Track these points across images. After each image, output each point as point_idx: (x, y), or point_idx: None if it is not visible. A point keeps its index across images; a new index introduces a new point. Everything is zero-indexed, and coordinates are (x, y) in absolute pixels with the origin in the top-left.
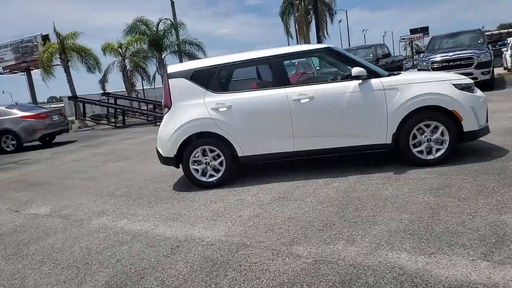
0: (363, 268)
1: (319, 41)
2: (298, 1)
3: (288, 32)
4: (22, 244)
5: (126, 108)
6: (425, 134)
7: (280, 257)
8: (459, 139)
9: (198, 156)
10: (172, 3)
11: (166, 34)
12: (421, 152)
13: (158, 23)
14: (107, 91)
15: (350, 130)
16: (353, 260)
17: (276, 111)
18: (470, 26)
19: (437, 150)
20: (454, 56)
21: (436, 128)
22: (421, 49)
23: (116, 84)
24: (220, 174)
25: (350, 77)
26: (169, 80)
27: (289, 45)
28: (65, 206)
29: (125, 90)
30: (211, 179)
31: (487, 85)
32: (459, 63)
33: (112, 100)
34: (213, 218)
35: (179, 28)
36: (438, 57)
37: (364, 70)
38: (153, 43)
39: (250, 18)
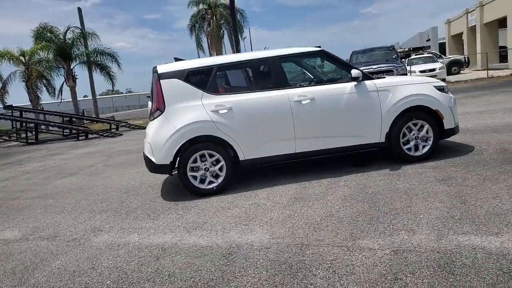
0: (447, 252)
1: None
2: (210, 16)
3: (199, 46)
4: (21, 272)
5: (42, 122)
6: (413, 132)
7: (354, 251)
8: (440, 136)
9: (196, 162)
10: (79, 11)
11: (75, 43)
12: (409, 149)
13: (66, 31)
14: (9, 104)
15: (349, 130)
16: (430, 246)
17: (278, 113)
18: (354, 46)
19: (423, 146)
20: (377, 69)
21: (422, 126)
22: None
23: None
24: (220, 180)
25: (345, 79)
26: (160, 80)
27: (199, 56)
28: (38, 228)
29: (30, 103)
30: (210, 186)
31: None
32: (382, 75)
33: (17, 113)
34: (242, 223)
35: (90, 38)
36: (363, 70)
37: (360, 72)
38: (61, 52)
39: (147, 32)
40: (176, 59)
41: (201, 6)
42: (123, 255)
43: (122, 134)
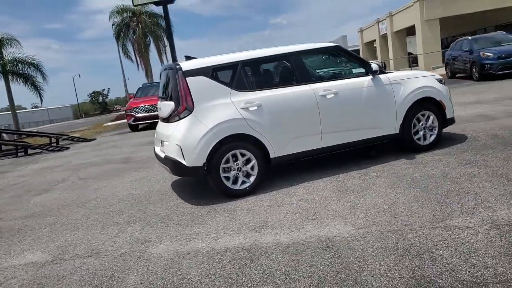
0: None
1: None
2: (135, 23)
3: (126, 55)
4: None
5: None
6: (422, 122)
7: (455, 231)
8: (443, 125)
9: (228, 162)
10: None
11: None
12: (419, 139)
13: None
14: None
15: (369, 123)
16: None
17: (305, 108)
18: None
19: (430, 136)
20: None
21: (428, 117)
22: None
23: None
24: (252, 180)
25: (361, 73)
26: (186, 78)
27: (122, 68)
28: (65, 246)
29: None
30: (243, 186)
31: None
32: None
33: None
34: (309, 218)
35: (10, 45)
36: None
37: (378, 66)
38: None
39: (50, 43)
40: (187, 58)
41: (125, 14)
42: (206, 261)
43: (69, 148)
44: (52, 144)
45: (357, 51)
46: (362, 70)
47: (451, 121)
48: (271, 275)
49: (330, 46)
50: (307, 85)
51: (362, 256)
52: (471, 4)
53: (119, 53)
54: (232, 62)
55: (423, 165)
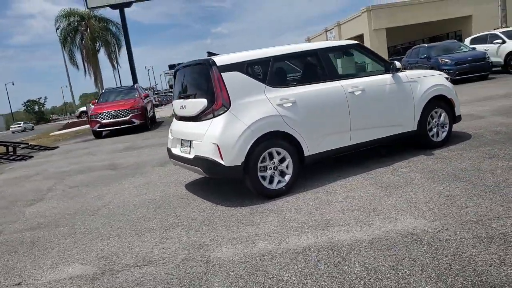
0: None
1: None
2: (83, 28)
3: (72, 61)
4: None
5: None
6: (435, 119)
7: None
8: (452, 122)
9: (265, 161)
10: None
11: None
12: (433, 135)
13: None
14: None
15: (391, 120)
16: None
17: (337, 104)
18: None
19: (442, 132)
20: None
21: (440, 114)
22: None
23: None
24: (287, 179)
25: (380, 71)
26: (221, 73)
27: (68, 75)
28: (106, 256)
29: None
30: (279, 186)
31: None
32: None
33: None
34: (371, 215)
35: None
36: None
37: (399, 63)
38: None
39: None
40: (210, 53)
41: (72, 18)
42: (290, 261)
43: (32, 156)
44: (9, 153)
45: None
46: (380, 67)
47: (459, 118)
48: (378, 271)
49: (352, 44)
50: (336, 81)
51: (462, 247)
52: (415, 15)
53: (64, 59)
54: (264, 58)
55: (448, 160)
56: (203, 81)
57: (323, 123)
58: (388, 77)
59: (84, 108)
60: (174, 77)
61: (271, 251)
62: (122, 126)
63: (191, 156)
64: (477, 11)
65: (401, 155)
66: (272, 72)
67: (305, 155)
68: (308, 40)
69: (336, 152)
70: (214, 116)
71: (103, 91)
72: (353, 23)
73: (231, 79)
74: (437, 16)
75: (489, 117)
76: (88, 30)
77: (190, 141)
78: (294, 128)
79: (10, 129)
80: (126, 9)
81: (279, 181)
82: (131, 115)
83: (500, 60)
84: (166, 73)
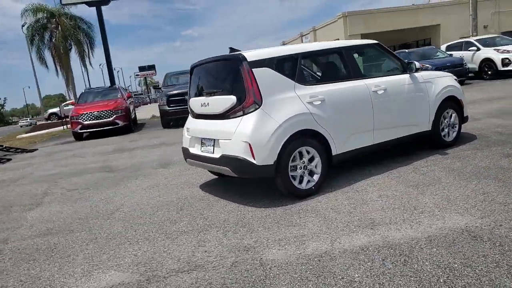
0: None
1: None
2: (54, 26)
3: (41, 60)
4: None
5: None
6: (446, 120)
7: None
8: (461, 122)
9: (295, 160)
10: None
11: None
12: (444, 135)
13: None
14: None
15: (409, 120)
16: None
17: (362, 103)
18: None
19: (452, 133)
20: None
21: (451, 115)
22: (158, 85)
23: None
24: (316, 179)
25: (397, 70)
26: (253, 70)
27: (35, 75)
28: (145, 263)
29: None
30: (309, 186)
31: None
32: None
33: None
34: (414, 212)
35: None
36: (174, 91)
37: (419, 64)
38: None
39: None
40: (232, 49)
41: (40, 14)
42: (355, 262)
43: (11, 159)
44: None
45: None
46: (397, 67)
47: (466, 119)
48: (452, 268)
49: (372, 43)
50: (361, 80)
51: None
52: (389, 22)
53: (31, 58)
54: (293, 54)
55: (466, 159)
56: (231, 77)
57: (350, 122)
58: (406, 77)
59: (54, 110)
60: (191, 74)
61: (327, 251)
62: (105, 128)
63: (216, 155)
64: (445, 20)
65: (416, 154)
66: (301, 69)
67: (333, 154)
68: (284, 44)
69: (361, 152)
70: (244, 114)
71: (83, 91)
72: (329, 28)
73: (262, 75)
74: (409, 24)
75: (485, 119)
76: (60, 28)
77: (214, 139)
78: (323, 126)
79: None
80: (87, 8)
81: (308, 181)
82: (115, 116)
83: (475, 66)
84: (136, 75)
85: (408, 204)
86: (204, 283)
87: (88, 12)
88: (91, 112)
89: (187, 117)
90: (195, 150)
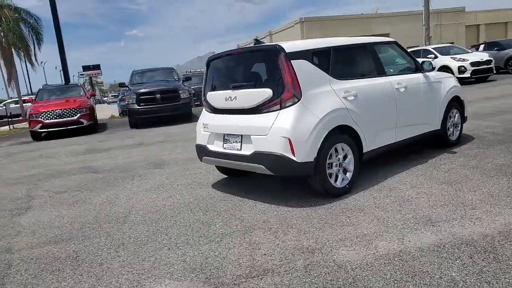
0: None
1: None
2: None
3: None
4: None
5: None
6: (452, 119)
7: None
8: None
9: (331, 157)
10: None
11: None
12: (450, 135)
13: None
14: None
15: (423, 118)
16: None
17: (388, 100)
18: (128, 66)
19: (456, 132)
20: (160, 88)
21: (455, 114)
22: (103, 83)
23: None
24: (350, 177)
25: (411, 69)
26: (292, 61)
27: None
28: (200, 268)
29: None
30: (343, 184)
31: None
32: (167, 95)
33: None
34: (465, 209)
35: None
36: (145, 89)
37: (434, 63)
38: None
39: None
40: (257, 41)
41: None
42: (441, 260)
43: None
44: None
45: None
46: (412, 66)
47: (466, 119)
48: None
49: (391, 41)
50: (385, 77)
51: None
52: (343, 30)
53: None
54: (326, 47)
55: (479, 157)
56: (265, 69)
57: (378, 119)
58: (421, 76)
59: None
60: (207, 67)
61: (402, 250)
62: (68, 127)
63: (246, 152)
64: (394, 30)
65: (426, 153)
66: (334, 63)
67: (364, 151)
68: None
69: (386, 150)
70: (281, 108)
71: (41, 87)
72: (286, 33)
73: (300, 67)
74: (362, 32)
75: (470, 120)
76: (4, 20)
77: (242, 135)
78: (357, 122)
79: None
80: (23, 2)
81: (343, 179)
82: (79, 115)
83: None
84: (81, 74)
85: (453, 201)
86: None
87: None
88: (53, 110)
89: (159, 116)
90: (215, 147)
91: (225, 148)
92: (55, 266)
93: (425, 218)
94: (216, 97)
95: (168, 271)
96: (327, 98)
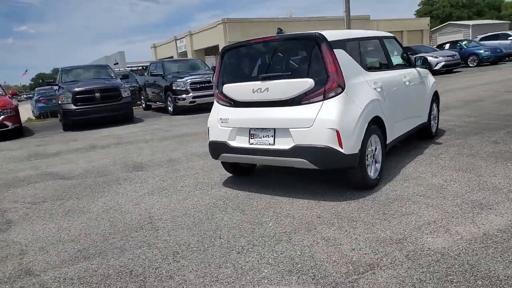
0: None
1: None
2: None
3: None
4: None
5: None
6: (433, 112)
7: None
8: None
9: (368, 148)
10: None
11: None
12: (431, 127)
13: None
14: None
15: (418, 111)
16: None
17: (400, 93)
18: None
19: (435, 124)
20: (101, 86)
21: (434, 108)
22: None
23: None
24: (379, 168)
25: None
26: (334, 50)
27: None
28: (296, 269)
29: None
30: (375, 175)
31: None
32: (107, 93)
33: None
34: (501, 193)
35: None
36: (82, 88)
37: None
38: None
39: None
40: (280, 30)
41: None
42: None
43: None
44: None
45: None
46: (406, 61)
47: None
48: None
49: (391, 36)
50: (396, 70)
51: None
52: (265, 32)
53: None
54: (355, 38)
55: (468, 147)
56: (303, 58)
57: (395, 111)
58: (415, 70)
59: None
60: (222, 58)
61: (486, 233)
62: (4, 129)
63: (284, 146)
64: None
65: (415, 146)
66: (362, 54)
67: (387, 142)
68: (154, 47)
69: (398, 141)
70: (325, 99)
71: None
72: (207, 33)
73: (340, 57)
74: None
75: None
76: None
77: (275, 129)
78: (385, 114)
79: None
80: None
81: (375, 171)
82: (3, 116)
83: None
84: None
85: (485, 185)
86: (399, 281)
87: None
88: None
89: (98, 117)
90: (237, 143)
91: (252, 144)
92: (115, 285)
93: (475, 202)
94: (238, 90)
95: (260, 276)
96: (363, 89)
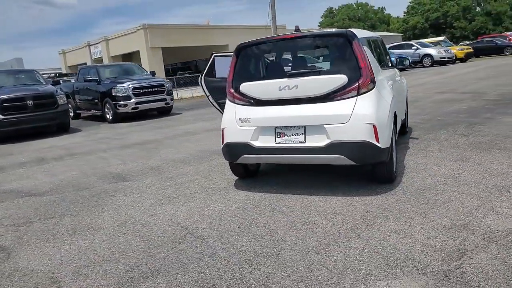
0: None
1: None
2: None
3: None
4: None
5: None
6: (407, 109)
7: None
8: None
9: None
10: None
11: None
12: (407, 123)
13: None
14: None
15: (403, 108)
16: None
17: (398, 90)
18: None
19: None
20: (34, 93)
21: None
22: None
23: None
24: (395, 162)
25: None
26: (364, 48)
27: None
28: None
29: None
30: (394, 169)
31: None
32: (41, 101)
33: None
34: None
35: None
36: (11, 94)
37: (410, 60)
38: None
39: None
40: (297, 28)
41: None
42: None
43: None
44: None
45: (63, 74)
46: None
47: None
48: None
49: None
50: (391, 69)
51: None
52: (186, 39)
53: None
54: (371, 37)
55: (443, 140)
56: (333, 55)
57: (398, 107)
58: (397, 70)
59: None
60: (237, 56)
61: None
62: None
63: (318, 143)
64: (231, 42)
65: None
66: (375, 53)
67: (396, 137)
68: (63, 53)
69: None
70: (358, 94)
71: None
72: (126, 38)
73: (368, 54)
74: (204, 42)
75: None
76: None
77: (305, 126)
78: (396, 110)
79: None
80: None
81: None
82: None
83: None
84: None
85: (493, 172)
86: (500, 262)
87: None
88: None
89: (31, 127)
90: (261, 143)
91: (279, 143)
92: None
93: (500, 187)
94: (260, 88)
95: (361, 273)
96: (385, 86)
